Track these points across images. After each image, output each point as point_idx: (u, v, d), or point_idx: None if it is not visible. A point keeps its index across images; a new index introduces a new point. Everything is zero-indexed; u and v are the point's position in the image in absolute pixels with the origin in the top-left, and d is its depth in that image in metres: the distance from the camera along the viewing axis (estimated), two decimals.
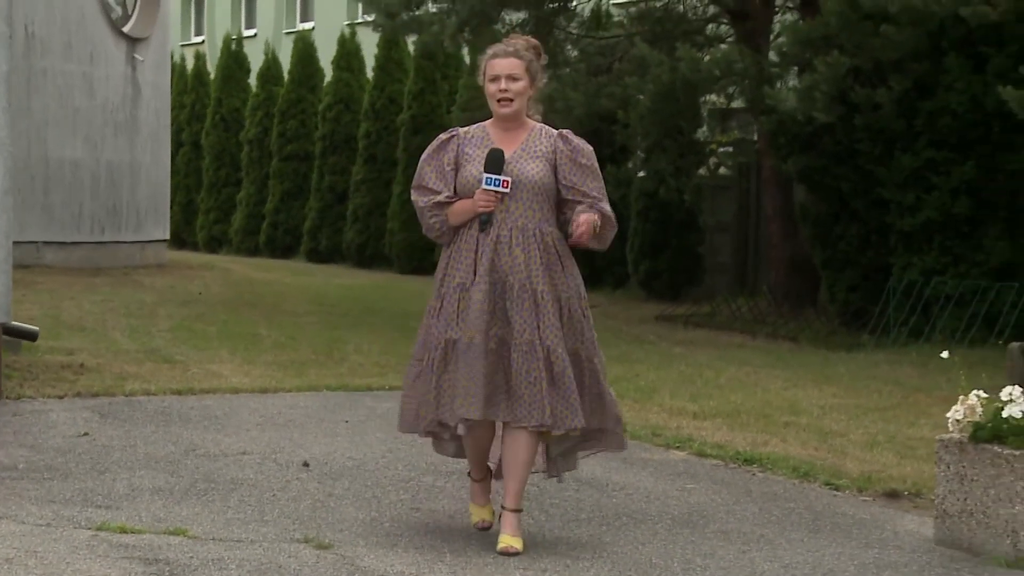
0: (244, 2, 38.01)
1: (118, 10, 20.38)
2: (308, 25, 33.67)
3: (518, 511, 5.53)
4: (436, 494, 6.50)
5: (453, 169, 5.59)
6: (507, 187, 5.46)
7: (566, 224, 5.58)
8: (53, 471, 6.67)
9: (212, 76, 30.01)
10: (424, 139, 23.55)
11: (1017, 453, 5.75)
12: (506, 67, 5.54)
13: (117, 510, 5.94)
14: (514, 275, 5.47)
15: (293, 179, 27.10)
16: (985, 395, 5.97)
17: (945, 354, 6.33)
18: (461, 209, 5.54)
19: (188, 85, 30.24)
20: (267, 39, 31.08)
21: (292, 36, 30.70)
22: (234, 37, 30.24)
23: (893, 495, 6.96)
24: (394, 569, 5.25)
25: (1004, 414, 5.84)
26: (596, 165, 5.63)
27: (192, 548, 5.40)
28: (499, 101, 5.55)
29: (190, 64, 31.05)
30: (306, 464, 7.03)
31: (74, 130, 18.96)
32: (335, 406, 8.88)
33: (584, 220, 5.46)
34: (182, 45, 35.72)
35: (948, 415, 6.01)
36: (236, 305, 15.56)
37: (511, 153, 5.54)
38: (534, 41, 5.70)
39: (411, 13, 17.54)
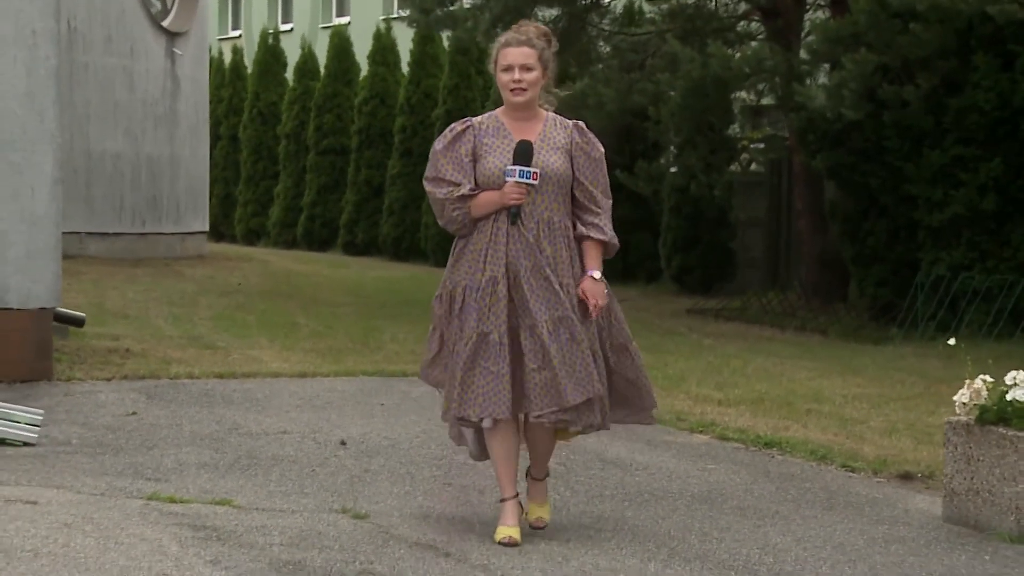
0: None
1: (157, 5, 20.86)
2: (344, 20, 34.10)
3: (545, 477, 5.74)
4: (467, 471, 6.85)
5: (471, 160, 5.53)
6: (536, 179, 5.44)
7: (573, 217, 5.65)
8: (104, 447, 7.08)
9: (249, 70, 30.47)
10: None
11: (1021, 434, 6.07)
12: (519, 57, 5.51)
13: (166, 482, 6.34)
14: (539, 269, 5.44)
15: (330, 173, 27.53)
16: (991, 380, 6.29)
17: (952, 341, 6.65)
18: (486, 201, 5.50)
19: (225, 79, 30.72)
20: (303, 34, 31.58)
21: (328, 31, 31.15)
22: (271, 31, 30.69)
23: (907, 477, 7.28)
24: (427, 538, 5.61)
25: (1008, 397, 6.16)
26: (604, 162, 5.67)
27: (237, 516, 5.79)
28: (512, 91, 5.52)
29: (227, 58, 31.54)
30: (343, 443, 7.41)
31: (115, 123, 19.43)
32: (371, 390, 9.27)
33: (591, 298, 5.50)
34: (219, 39, 36.25)
35: (955, 398, 6.33)
36: (274, 296, 15.97)
37: (532, 144, 5.52)
38: (544, 28, 5.69)
39: (445, 9, 17.91)
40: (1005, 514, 6.11)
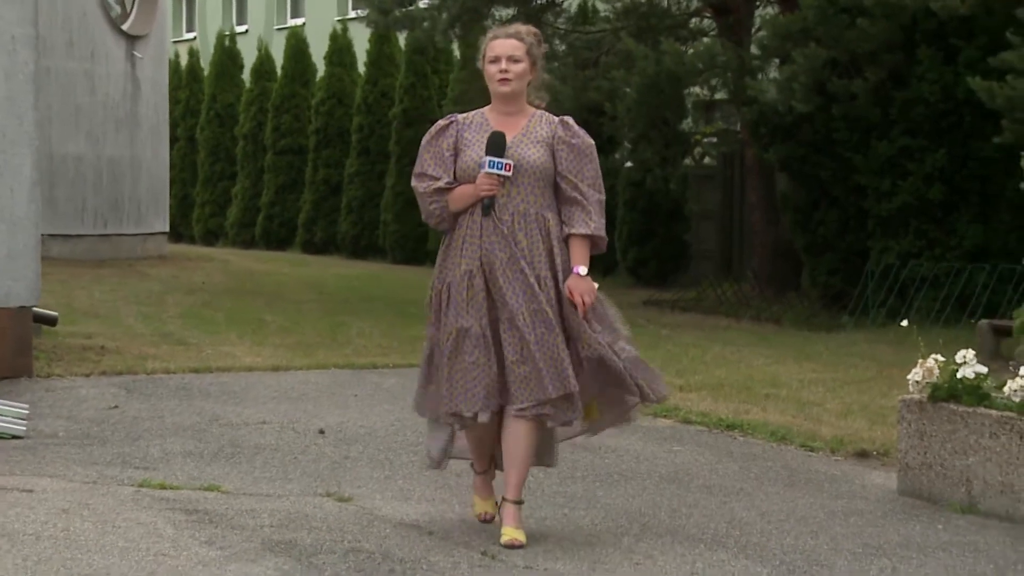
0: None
1: (117, 8, 20.92)
2: (299, 21, 34.16)
3: (520, 503, 5.46)
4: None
5: (452, 155, 5.49)
6: (509, 171, 5.37)
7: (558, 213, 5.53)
8: (91, 438, 7.27)
9: (206, 72, 30.51)
10: (417, 132, 24.13)
11: (970, 410, 6.37)
12: (507, 48, 5.45)
13: (154, 471, 6.54)
14: (515, 261, 5.37)
15: (288, 172, 27.65)
16: (942, 359, 6.58)
17: (904, 322, 6.95)
18: (462, 194, 5.45)
19: (182, 81, 30.74)
20: (259, 35, 31.62)
21: (284, 32, 31.23)
22: (227, 33, 30.75)
23: (863, 455, 7.57)
24: (409, 518, 5.84)
25: (959, 375, 6.45)
26: (594, 154, 5.53)
27: (226, 501, 5.99)
28: (499, 80, 5.45)
29: (184, 60, 31.55)
30: (322, 432, 7.62)
31: (77, 126, 19.49)
32: (343, 382, 9.48)
33: (576, 295, 5.40)
34: (174, 41, 36.20)
35: (908, 377, 6.62)
36: (239, 294, 16.13)
37: (512, 138, 5.45)
38: (534, 28, 5.62)
39: (404, 9, 18.11)
40: (956, 486, 6.41)
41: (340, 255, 25.78)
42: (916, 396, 6.63)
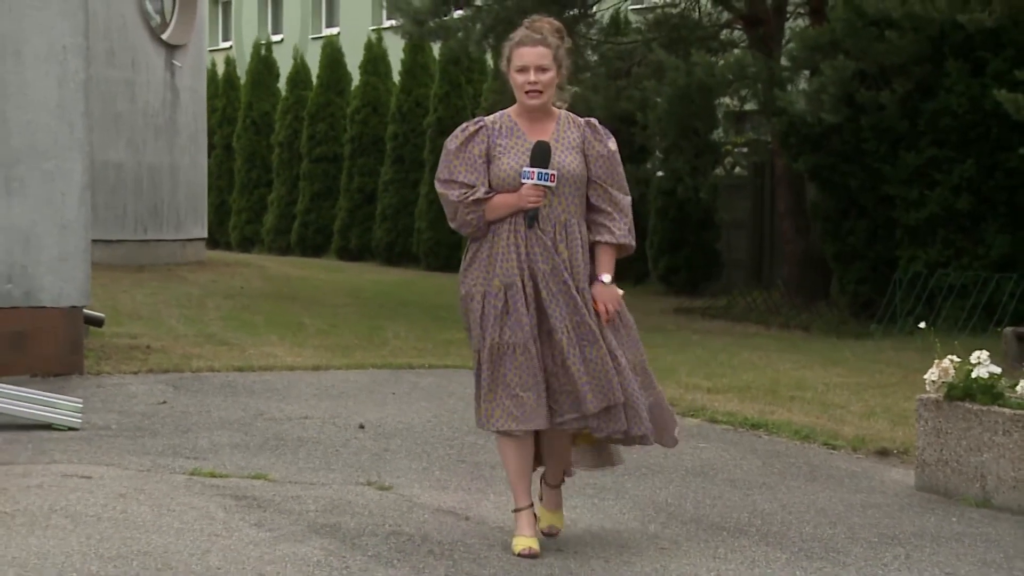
0: (270, 8, 39.07)
1: (157, 18, 21.40)
2: (334, 30, 34.64)
3: (560, 484, 5.58)
4: (478, 450, 7.41)
5: (485, 161, 5.33)
6: (554, 181, 5.26)
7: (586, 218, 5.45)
8: (142, 430, 7.63)
9: (242, 81, 30.99)
10: None
11: (984, 408, 6.66)
12: (534, 57, 5.28)
13: (204, 460, 6.89)
14: (558, 272, 5.27)
15: (323, 180, 28.08)
16: (957, 359, 6.88)
17: (922, 324, 7.25)
18: (502, 204, 5.29)
19: (219, 89, 31.23)
20: (294, 44, 32.09)
21: (319, 41, 31.70)
22: (263, 42, 31.23)
23: (883, 453, 7.86)
24: (446, 505, 6.17)
25: (973, 375, 6.74)
26: (618, 157, 5.46)
27: (273, 488, 6.34)
28: (528, 93, 5.31)
29: (220, 69, 32.04)
30: (362, 426, 7.97)
31: (117, 134, 19.94)
32: (382, 381, 9.83)
33: (600, 303, 5.34)
34: (210, 50, 36.73)
35: (925, 376, 6.92)
36: (277, 298, 16.52)
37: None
38: (557, 23, 5.46)
39: (438, 20, 18.45)
40: (971, 481, 6.70)
41: (375, 262, 26.17)
42: (933, 395, 6.92)
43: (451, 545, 5.49)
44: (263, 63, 30.31)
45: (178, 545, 5.30)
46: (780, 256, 19.24)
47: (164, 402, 8.55)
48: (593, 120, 5.48)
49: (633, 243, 5.44)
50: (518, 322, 5.25)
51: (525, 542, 5.35)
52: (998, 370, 6.73)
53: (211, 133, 29.92)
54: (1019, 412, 6.49)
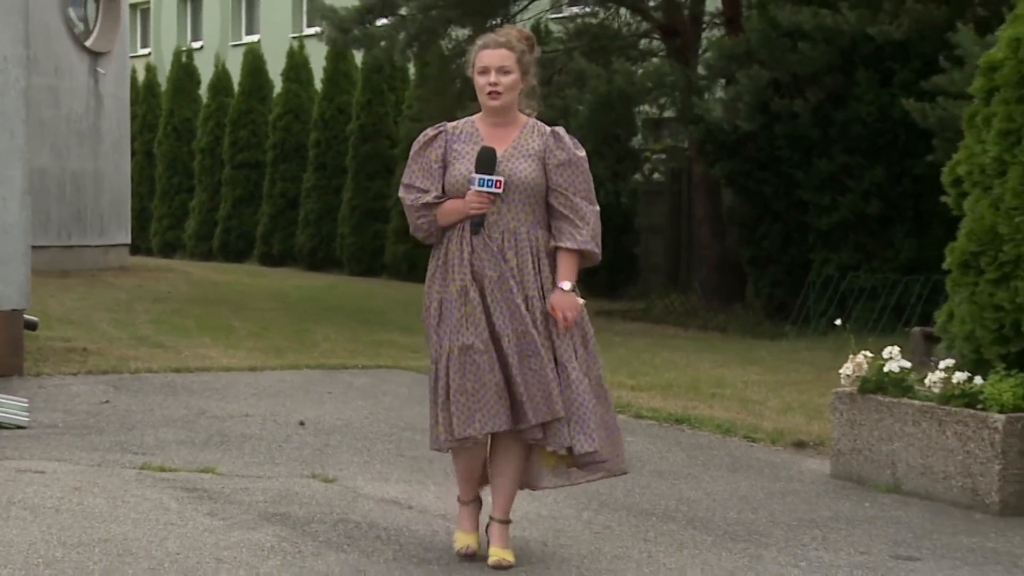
0: (190, 15, 39.02)
1: (81, 25, 21.41)
2: (254, 38, 34.70)
3: (508, 522, 5.35)
4: (416, 445, 7.68)
5: (441, 166, 5.27)
6: (500, 188, 5.15)
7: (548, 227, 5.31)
8: (88, 428, 7.83)
9: (163, 87, 30.98)
10: (373, 147, 24.85)
11: (895, 401, 7.05)
12: (496, 59, 5.20)
13: (152, 456, 7.11)
14: (504, 280, 5.16)
15: (245, 186, 28.18)
16: (870, 355, 7.27)
17: (838, 321, 7.65)
18: (451, 209, 5.22)
19: (140, 96, 31.16)
20: (215, 51, 32.13)
21: (239, 48, 31.77)
22: (184, 49, 31.24)
23: (800, 445, 8.25)
24: (389, 495, 6.45)
25: (885, 369, 7.14)
26: (587, 166, 5.30)
27: (222, 481, 6.58)
28: (489, 94, 5.22)
29: (141, 75, 31.97)
30: (302, 423, 8.22)
31: (41, 140, 19.90)
32: (317, 381, 10.08)
33: (559, 311, 5.19)
34: (130, 57, 36.60)
35: (840, 371, 7.30)
36: (204, 302, 16.65)
37: (502, 151, 5.23)
38: (527, 32, 5.39)
39: (362, 28, 18.68)
40: (883, 469, 7.09)
41: (297, 267, 26.32)
42: (847, 389, 7.31)
43: (396, 531, 5.77)
44: (184, 70, 30.32)
45: (136, 533, 5.54)
46: (697, 260, 19.66)
47: (107, 401, 8.74)
48: (559, 129, 5.34)
49: (598, 251, 5.27)
50: (475, 324, 5.13)
51: (464, 539, 5.34)
52: (908, 364, 7.13)
53: (132, 139, 29.88)
54: (927, 404, 6.88)
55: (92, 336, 11.97)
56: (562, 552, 5.59)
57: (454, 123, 5.38)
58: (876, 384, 7.18)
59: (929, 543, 5.97)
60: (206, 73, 30.04)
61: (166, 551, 5.29)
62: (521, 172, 5.22)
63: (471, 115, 5.43)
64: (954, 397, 6.76)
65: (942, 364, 6.95)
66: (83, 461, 6.90)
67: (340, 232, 25.35)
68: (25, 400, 8.19)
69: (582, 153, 5.31)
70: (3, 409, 7.79)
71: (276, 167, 27.24)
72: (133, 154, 30.22)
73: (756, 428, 8.65)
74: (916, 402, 6.95)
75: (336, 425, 8.26)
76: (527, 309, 5.17)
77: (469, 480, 5.41)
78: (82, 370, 9.92)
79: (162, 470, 6.75)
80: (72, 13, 20.91)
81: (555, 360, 5.18)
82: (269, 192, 27.41)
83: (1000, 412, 6.56)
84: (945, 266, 7.23)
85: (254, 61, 28.50)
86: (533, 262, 5.22)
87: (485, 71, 5.22)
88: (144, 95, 31.27)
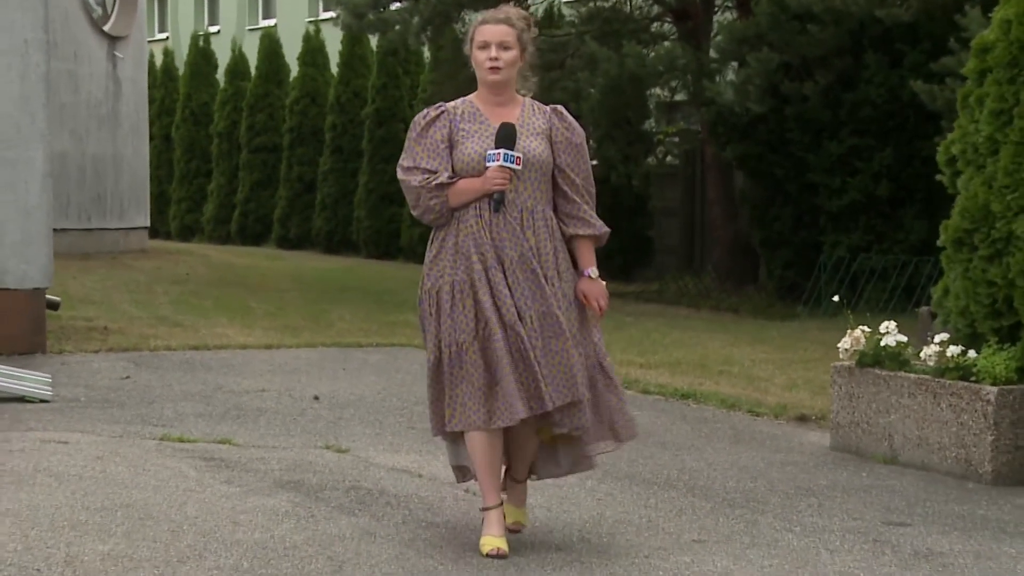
0: (206, 1, 39.27)
1: (98, 10, 21.68)
2: (271, 22, 34.95)
3: (524, 481, 5.40)
4: (426, 418, 7.87)
5: (448, 147, 5.18)
6: (520, 164, 5.10)
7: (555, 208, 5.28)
8: (110, 402, 8.10)
9: (181, 72, 31.26)
10: (388, 131, 25.09)
11: (892, 374, 7.27)
12: (497, 34, 5.15)
13: (171, 428, 7.38)
14: (526, 260, 5.09)
15: (262, 170, 28.46)
16: (868, 329, 7.49)
17: (836, 298, 7.87)
18: (466, 188, 5.12)
19: (157, 80, 31.44)
20: (232, 36, 32.39)
21: (256, 33, 32.03)
22: (201, 34, 31.51)
23: (803, 419, 8.48)
24: (400, 465, 6.70)
25: (882, 343, 7.36)
26: (586, 145, 5.33)
27: (239, 451, 6.84)
28: (489, 69, 5.17)
29: (159, 60, 32.27)
30: (316, 398, 8.48)
31: (61, 124, 20.18)
32: (332, 358, 10.34)
33: (591, 299, 5.21)
34: (148, 41, 36.91)
35: (839, 345, 7.52)
36: (222, 284, 16.94)
37: None
38: (525, 12, 5.38)
39: (377, 13, 18.90)
40: (880, 440, 7.31)
41: (314, 250, 26.59)
42: (846, 363, 7.54)
43: (406, 497, 6.02)
44: (201, 54, 30.59)
45: (156, 499, 5.79)
46: (710, 242, 19.83)
47: (127, 377, 9.01)
48: (560, 107, 5.32)
49: (608, 231, 5.31)
50: (486, 309, 5.04)
51: (493, 542, 5.13)
52: (904, 338, 7.35)
53: (150, 124, 30.19)
54: (923, 377, 7.10)
55: (112, 316, 12.26)
56: (565, 516, 5.84)
57: (452, 103, 5.29)
58: (873, 358, 7.39)
59: (921, 510, 6.19)
60: (223, 57, 30.30)
61: (185, 515, 5.55)
62: (535, 150, 5.18)
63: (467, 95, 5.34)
64: (948, 370, 6.98)
65: (937, 338, 7.17)
66: (105, 433, 7.16)
67: (357, 215, 25.61)
68: (48, 375, 8.46)
69: (583, 132, 5.33)
70: (27, 383, 8.07)
71: (293, 151, 27.50)
72: (151, 138, 30.54)
73: (760, 403, 8.88)
74: (912, 375, 7.16)
75: (350, 399, 8.52)
76: (551, 289, 5.10)
77: (491, 478, 5.17)
78: (103, 348, 10.20)
79: (181, 441, 7.01)
80: None
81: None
82: (286, 176, 27.67)
83: (993, 384, 6.77)
84: (940, 243, 7.44)
85: (271, 45, 28.75)
86: (550, 241, 5.17)
87: (485, 46, 5.17)
88: (162, 79, 31.55)
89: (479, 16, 5.31)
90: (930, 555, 5.42)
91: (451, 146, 5.21)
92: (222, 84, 29.89)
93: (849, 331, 7.51)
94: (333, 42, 26.93)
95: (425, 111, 5.34)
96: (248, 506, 5.74)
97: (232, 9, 37.35)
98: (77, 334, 10.75)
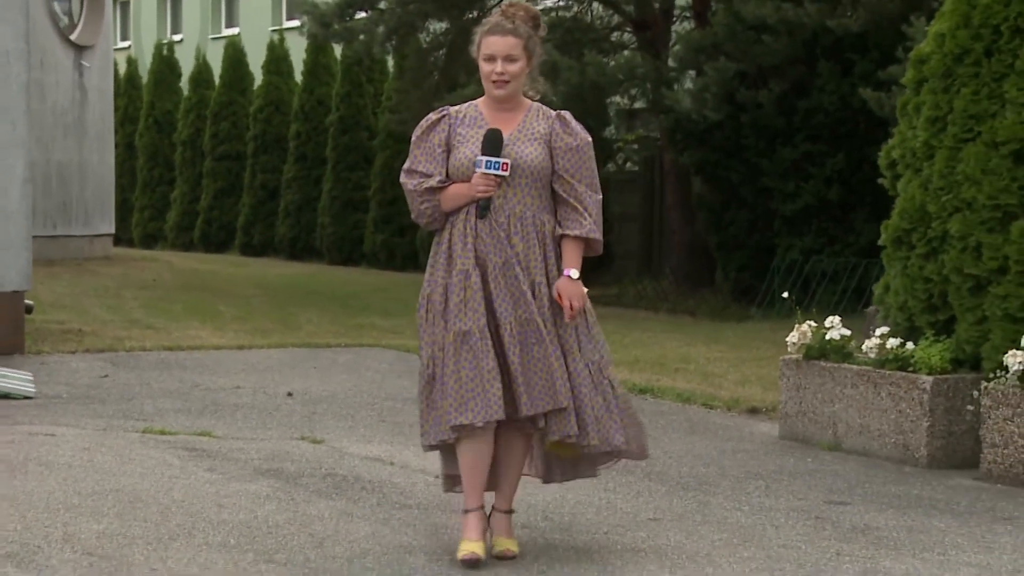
0: (170, 8, 39.53)
1: (65, 19, 21.96)
2: (234, 30, 35.21)
3: (510, 512, 5.25)
4: (397, 412, 8.32)
5: (445, 151, 5.17)
6: (506, 170, 5.05)
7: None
8: (91, 399, 8.47)
9: (144, 80, 31.49)
10: (352, 139, 25.46)
11: (836, 366, 7.72)
12: (503, 47, 5.10)
13: (152, 422, 7.75)
14: (509, 266, 5.05)
15: (226, 177, 28.74)
16: (814, 324, 7.94)
17: (785, 294, 8.31)
18: (456, 193, 5.12)
19: (120, 88, 31.62)
20: (197, 44, 32.65)
21: (220, 41, 32.31)
22: (164, 42, 31.76)
23: (754, 411, 8.93)
24: (373, 454, 7.09)
25: (827, 337, 7.81)
26: (591, 152, 5.23)
27: (218, 443, 7.22)
28: (494, 83, 5.12)
29: (122, 68, 32.48)
30: (290, 394, 8.86)
31: (28, 132, 20.43)
32: (302, 358, 10.73)
33: (565, 299, 5.11)
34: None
35: (787, 339, 7.97)
36: (189, 289, 17.27)
37: (508, 135, 5.11)
38: (534, 10, 5.22)
39: (343, 22, 19.26)
40: (825, 429, 7.76)
41: (278, 257, 26.88)
42: (793, 356, 7.99)
43: (380, 483, 6.41)
44: (165, 63, 30.82)
45: (143, 485, 6.17)
46: (668, 246, 20.27)
47: (106, 376, 9.37)
48: (565, 113, 5.25)
49: (601, 239, 5.24)
50: (473, 309, 5.03)
51: (469, 547, 5.07)
52: (848, 332, 7.80)
53: (114, 132, 30.44)
54: (864, 368, 7.56)
55: (85, 319, 12.59)
56: (529, 499, 6.22)
57: (457, 107, 5.27)
58: (819, 351, 7.85)
59: (860, 491, 6.64)
60: (187, 66, 30.55)
61: (172, 498, 5.92)
62: (527, 155, 5.11)
63: (474, 99, 5.31)
64: (888, 361, 7.44)
65: (878, 332, 7.63)
66: (89, 426, 7.53)
67: (320, 222, 25.95)
68: (30, 374, 8.81)
69: (589, 138, 5.22)
70: (10, 381, 8.42)
71: (257, 158, 27.81)
72: (115, 146, 30.82)
73: (714, 397, 9.32)
74: (855, 367, 7.62)
75: (322, 395, 8.91)
76: (533, 296, 5.06)
77: (475, 479, 5.13)
78: (79, 349, 10.55)
79: (163, 433, 7.39)
80: (57, 7, 21.45)
81: (560, 348, 5.07)
82: (250, 183, 27.98)
83: (929, 374, 7.23)
84: (880, 242, 7.90)
85: (234, 54, 29.03)
86: (540, 247, 5.12)
87: (491, 59, 5.12)
88: (125, 88, 31.75)
89: (485, 23, 5.20)
90: (867, 530, 5.85)
91: (449, 150, 5.20)
92: (186, 92, 30.14)
93: (797, 326, 7.96)
94: (297, 51, 27.25)
95: (429, 115, 5.31)
96: (231, 491, 6.12)
97: (195, 18, 37.60)
98: (53, 336, 11.08)
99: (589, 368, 5.13)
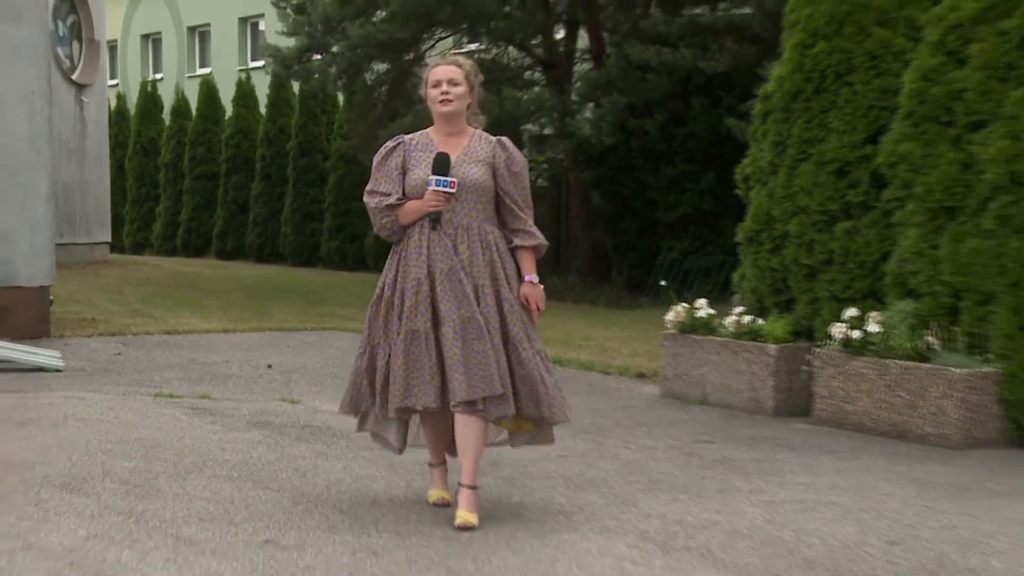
0: (151, 51, 39.51)
1: (67, 61, 22.10)
2: (207, 70, 35.32)
3: (474, 487, 5.02)
4: None
5: (401, 173, 5.15)
6: (455, 188, 5.03)
7: (502, 225, 5.18)
8: (110, 371, 8.85)
9: (132, 112, 31.57)
10: (309, 161, 25.78)
11: (704, 338, 8.30)
12: (446, 73, 5.12)
13: (161, 388, 8.16)
14: (454, 272, 5.00)
15: (203, 194, 28.91)
16: (687, 305, 8.52)
17: (663, 282, 8.86)
18: (411, 209, 5.09)
19: (112, 120, 31.68)
20: (175, 82, 32.75)
21: (196, 79, 32.42)
22: (148, 80, 31.82)
23: (641, 376, 9.50)
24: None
25: (697, 315, 8.39)
26: (527, 173, 5.24)
27: (216, 404, 7.65)
28: (440, 101, 5.09)
29: (112, 103, 32.49)
30: (270, 366, 9.29)
31: None
32: (278, 339, 11.14)
33: (531, 301, 5.11)
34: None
35: (665, 317, 8.54)
36: (178, 287, 17.56)
37: (455, 157, 5.10)
38: (472, 61, 5.30)
39: (302, 64, 19.64)
40: (695, 388, 8.35)
41: (248, 260, 27.11)
42: (671, 331, 8.57)
43: (347, 432, 6.86)
44: (149, 98, 30.93)
45: (160, 434, 6.60)
46: (573, 250, 20.81)
47: (119, 354, 9.75)
48: (504, 139, 5.25)
49: (546, 244, 5.27)
50: (422, 312, 4.99)
51: (438, 493, 5.28)
52: (713, 311, 8.39)
53: None
54: (726, 339, 8.15)
55: (96, 311, 12.91)
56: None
57: (411, 135, 5.26)
58: (691, 326, 8.43)
59: (721, 434, 7.22)
60: (168, 100, 30.66)
61: (185, 444, 6.37)
62: (472, 175, 5.09)
63: (416, 129, 5.35)
64: (743, 334, 8.03)
65: (736, 310, 8.22)
66: (111, 392, 7.93)
67: (283, 231, 26.25)
68: (58, 352, 9.18)
69: (524, 160, 5.27)
70: (44, 358, 8.79)
71: (229, 178, 28.03)
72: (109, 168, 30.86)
73: (609, 365, 9.88)
74: (718, 338, 8.21)
75: (296, 367, 9.35)
76: (476, 296, 4.99)
77: (437, 446, 5.29)
78: (95, 333, 10.89)
79: (171, 396, 7.81)
80: (60, 51, 21.61)
81: (507, 341, 5.01)
82: (223, 199, 28.19)
83: (774, 344, 7.83)
84: (736, 240, 8.49)
85: (208, 90, 29.19)
86: (484, 254, 5.06)
87: (437, 84, 5.13)
88: (116, 119, 31.76)
89: (431, 62, 5.25)
90: (725, 461, 6.43)
91: (404, 172, 5.17)
92: (167, 123, 30.26)
93: (672, 308, 8.55)
94: (262, 87, 27.52)
95: (387, 143, 5.29)
96: (230, 438, 6.57)
97: (173, 60, 37.64)
98: (72, 324, 11.41)
99: (540, 355, 5.09)
